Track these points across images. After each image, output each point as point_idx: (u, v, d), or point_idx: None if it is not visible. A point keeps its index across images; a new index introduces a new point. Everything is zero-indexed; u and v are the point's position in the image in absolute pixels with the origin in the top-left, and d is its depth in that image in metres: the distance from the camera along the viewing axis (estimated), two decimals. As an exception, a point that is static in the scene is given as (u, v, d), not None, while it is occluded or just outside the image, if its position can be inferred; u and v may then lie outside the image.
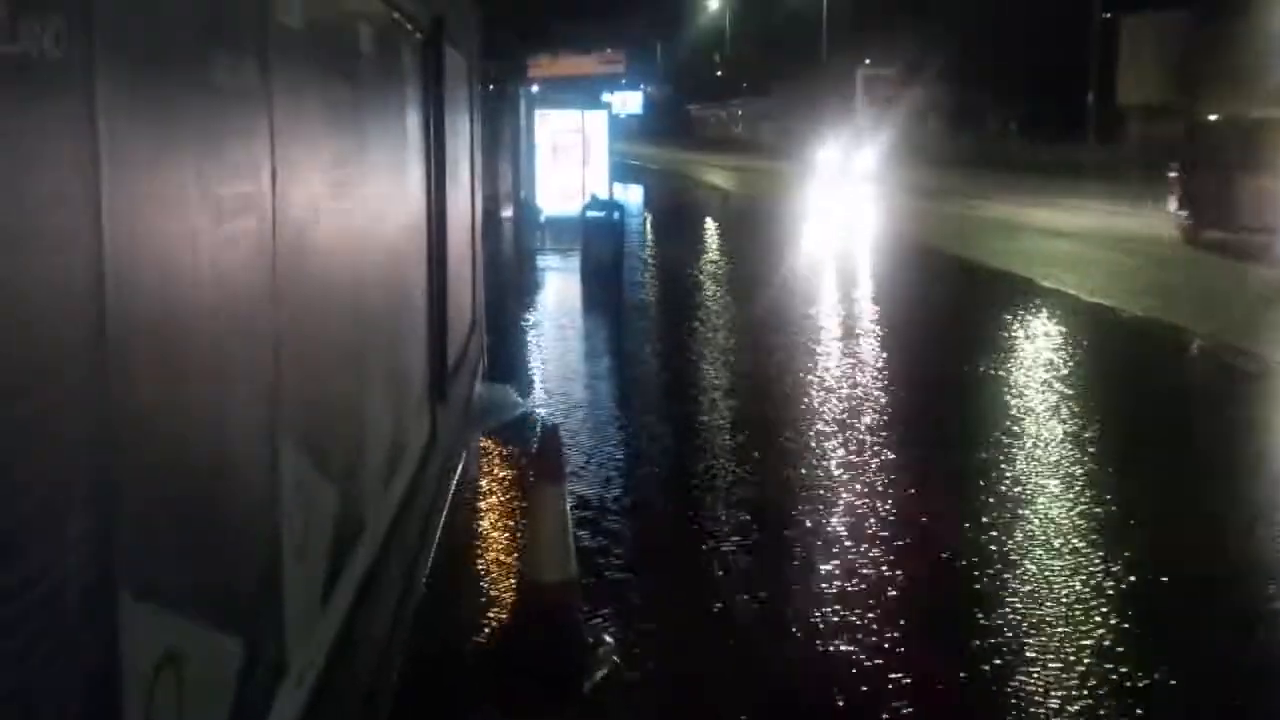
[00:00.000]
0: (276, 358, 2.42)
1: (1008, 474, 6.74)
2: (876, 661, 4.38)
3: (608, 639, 4.48)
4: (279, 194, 2.40)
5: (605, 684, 4.22)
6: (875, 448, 7.30)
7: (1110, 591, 5.03)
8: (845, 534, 5.75)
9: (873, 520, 5.94)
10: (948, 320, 12.34)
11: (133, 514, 1.63)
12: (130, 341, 1.60)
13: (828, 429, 7.78)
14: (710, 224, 24.85)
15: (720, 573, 5.29)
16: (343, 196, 3.21)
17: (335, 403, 3.12)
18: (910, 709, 4.03)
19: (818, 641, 4.57)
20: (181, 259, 1.85)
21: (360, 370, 3.48)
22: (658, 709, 4.12)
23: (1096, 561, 5.41)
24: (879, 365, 9.95)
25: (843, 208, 26.64)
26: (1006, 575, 5.23)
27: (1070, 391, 8.85)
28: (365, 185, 3.51)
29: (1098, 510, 6.14)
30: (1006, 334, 11.29)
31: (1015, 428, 7.80)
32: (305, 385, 2.72)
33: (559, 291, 14.93)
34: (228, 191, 2.09)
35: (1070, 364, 9.92)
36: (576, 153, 19.63)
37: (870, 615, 4.78)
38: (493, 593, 5.02)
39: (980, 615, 4.79)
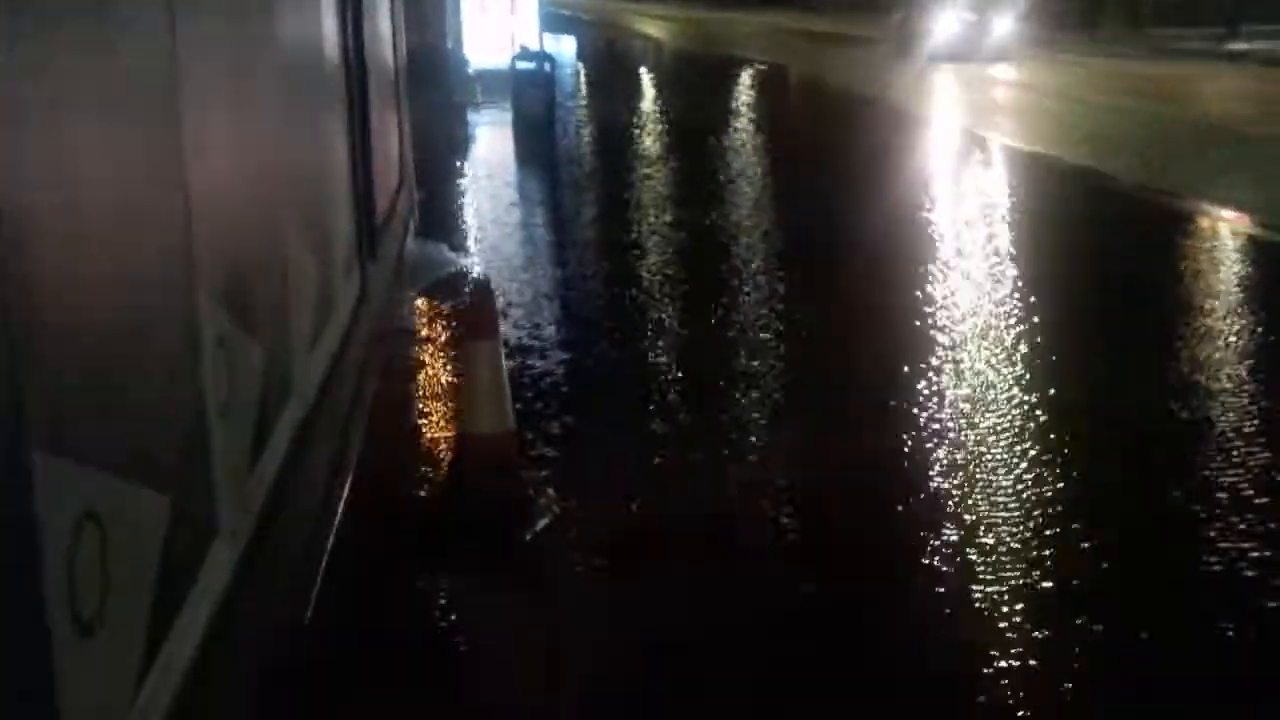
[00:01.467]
0: (189, 209, 2.34)
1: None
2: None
3: (548, 490, 4.52)
4: (181, 37, 2.28)
5: (545, 533, 4.28)
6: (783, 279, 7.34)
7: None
8: (769, 383, 5.81)
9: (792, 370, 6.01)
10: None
11: (42, 370, 1.58)
12: (31, 194, 1.53)
13: (751, 278, 7.80)
14: (645, 76, 24.39)
15: (657, 421, 5.34)
16: (252, 41, 3.07)
17: (255, 257, 3.04)
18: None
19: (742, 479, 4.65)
20: (83, 103, 1.75)
21: (281, 224, 3.38)
22: (598, 554, 4.18)
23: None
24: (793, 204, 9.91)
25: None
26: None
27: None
28: (276, 29, 3.36)
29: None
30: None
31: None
32: (222, 239, 2.64)
33: (491, 145, 14.66)
34: (128, 35, 1.98)
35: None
36: (504, 1, 19.05)
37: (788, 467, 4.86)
38: (430, 448, 5.04)
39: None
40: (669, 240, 9.05)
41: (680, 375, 5.95)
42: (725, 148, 13.90)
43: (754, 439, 5.15)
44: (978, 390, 5.71)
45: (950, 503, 4.50)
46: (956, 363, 6.03)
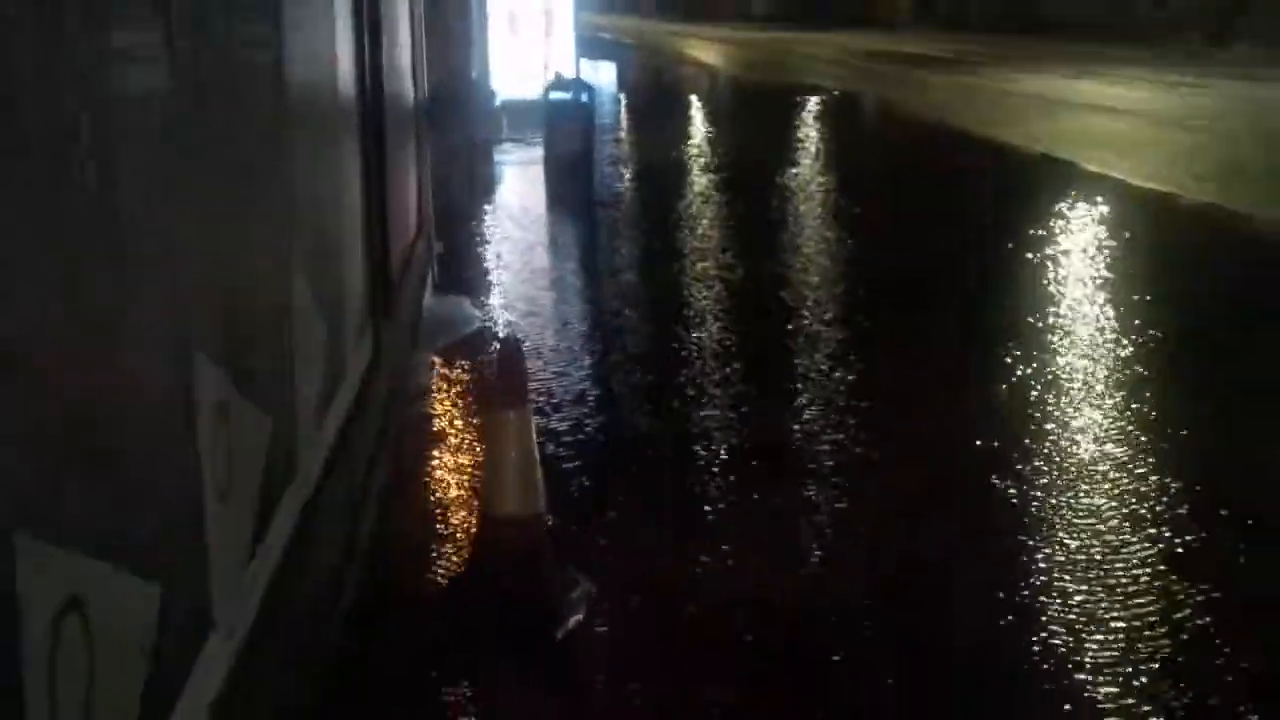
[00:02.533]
0: (185, 262, 2.42)
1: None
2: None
3: (582, 581, 4.54)
4: (178, 68, 2.38)
5: (580, 631, 4.29)
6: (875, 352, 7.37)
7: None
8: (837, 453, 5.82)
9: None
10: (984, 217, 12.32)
11: (20, 443, 1.64)
12: (7, 246, 1.60)
13: (820, 341, 7.83)
14: (696, 109, 24.68)
15: (707, 505, 5.36)
16: (255, 74, 3.18)
17: (257, 316, 3.12)
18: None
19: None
20: (66, 145, 1.83)
21: (286, 279, 3.47)
22: (638, 657, 4.19)
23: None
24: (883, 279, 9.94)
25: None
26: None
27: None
28: (282, 61, 3.47)
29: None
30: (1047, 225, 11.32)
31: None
32: (221, 296, 2.72)
33: (519, 188, 14.86)
34: (117, 69, 2.07)
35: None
36: (537, 24, 19.42)
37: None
38: (450, 532, 5.08)
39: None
40: (722, 299, 9.12)
41: (735, 456, 5.97)
42: (788, 189, 14.01)
43: (820, 533, 5.14)
44: (1098, 494, 5.69)
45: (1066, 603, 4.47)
46: (1060, 463, 6.00)
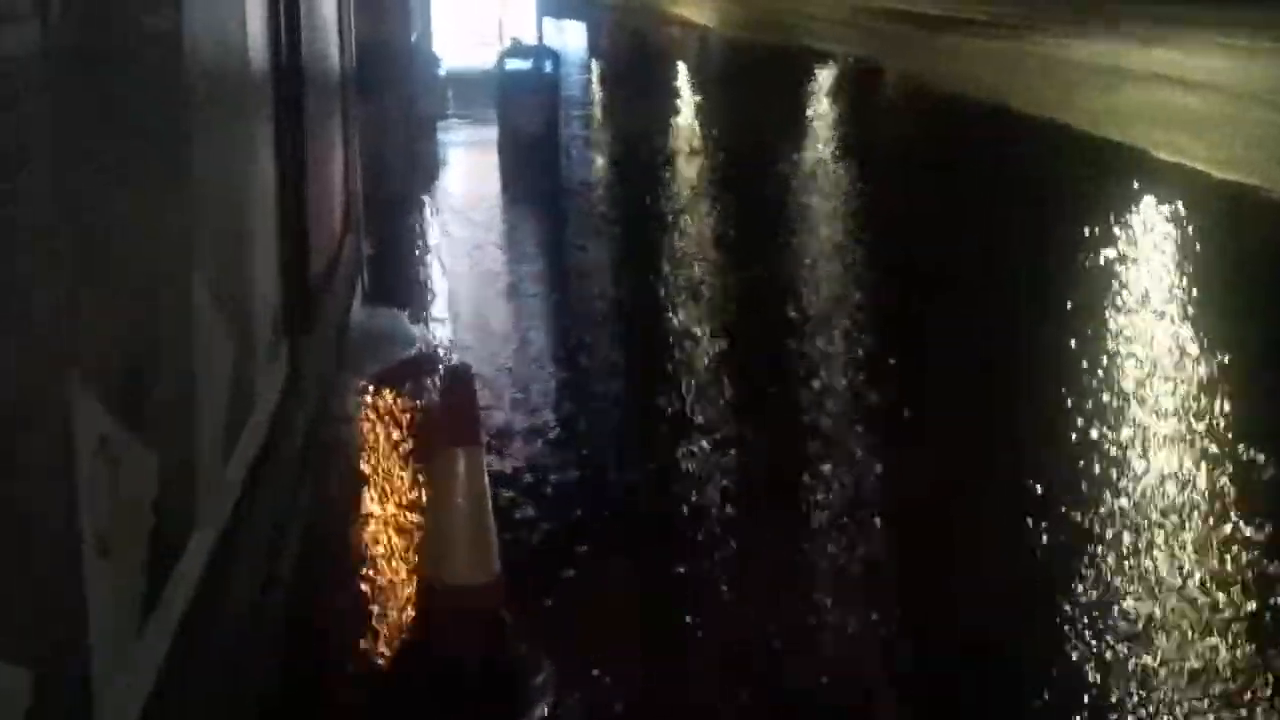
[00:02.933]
0: (58, 268, 2.41)
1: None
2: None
3: (546, 662, 4.53)
4: (45, 29, 2.36)
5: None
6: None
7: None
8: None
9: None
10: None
11: None
12: None
13: (829, 367, 7.84)
14: (683, 80, 24.78)
15: (691, 568, 5.37)
16: (142, 38, 3.16)
17: (146, 334, 3.11)
18: None
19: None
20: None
21: (180, 288, 3.46)
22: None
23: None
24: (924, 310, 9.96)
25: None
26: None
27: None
28: (172, 18, 3.46)
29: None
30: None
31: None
32: (101, 310, 2.70)
33: (469, 175, 14.89)
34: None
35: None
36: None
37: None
38: (385, 602, 5.06)
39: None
40: (712, 313, 9.13)
41: (725, 507, 5.98)
42: (792, 179, 14.06)
43: (828, 605, 5.13)
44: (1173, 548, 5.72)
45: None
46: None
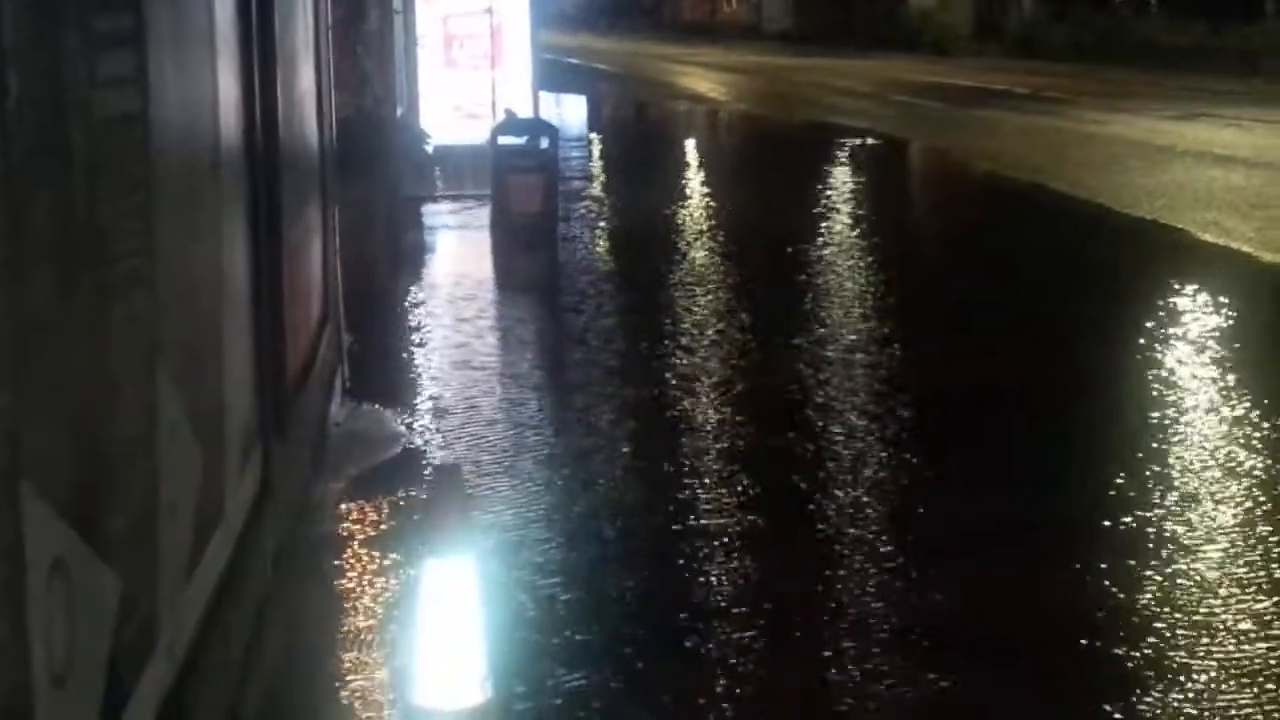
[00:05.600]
0: (7, 368, 2.42)
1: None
2: None
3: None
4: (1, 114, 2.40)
5: None
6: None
7: None
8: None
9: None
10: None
11: None
12: None
13: (871, 485, 7.83)
14: (693, 157, 24.96)
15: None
16: (108, 119, 3.20)
17: (103, 441, 3.12)
18: None
19: None
20: None
21: (142, 389, 3.47)
22: None
23: None
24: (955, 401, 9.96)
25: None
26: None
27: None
28: (139, 90, 3.50)
29: None
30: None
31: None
32: (54, 414, 2.72)
33: (459, 261, 14.96)
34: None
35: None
36: (482, 46, 19.65)
37: None
38: (363, 733, 5.04)
39: None
40: (728, 419, 9.13)
41: (742, 637, 5.98)
42: (813, 268, 14.10)
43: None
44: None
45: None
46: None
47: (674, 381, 9.90)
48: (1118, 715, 5.17)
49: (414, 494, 7.32)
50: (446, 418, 8.98)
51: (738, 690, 5.47)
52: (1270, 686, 5.37)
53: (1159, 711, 5.22)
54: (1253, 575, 6.39)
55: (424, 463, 7.96)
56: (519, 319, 12.55)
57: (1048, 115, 27.13)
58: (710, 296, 12.92)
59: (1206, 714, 5.19)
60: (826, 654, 5.75)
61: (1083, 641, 5.76)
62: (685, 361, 10.45)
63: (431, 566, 4.45)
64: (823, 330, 11.50)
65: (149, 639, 3.45)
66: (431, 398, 9.53)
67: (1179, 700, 5.29)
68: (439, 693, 4.38)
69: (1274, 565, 6.47)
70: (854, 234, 16.47)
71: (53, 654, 2.61)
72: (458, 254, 15.30)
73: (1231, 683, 5.42)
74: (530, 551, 6.73)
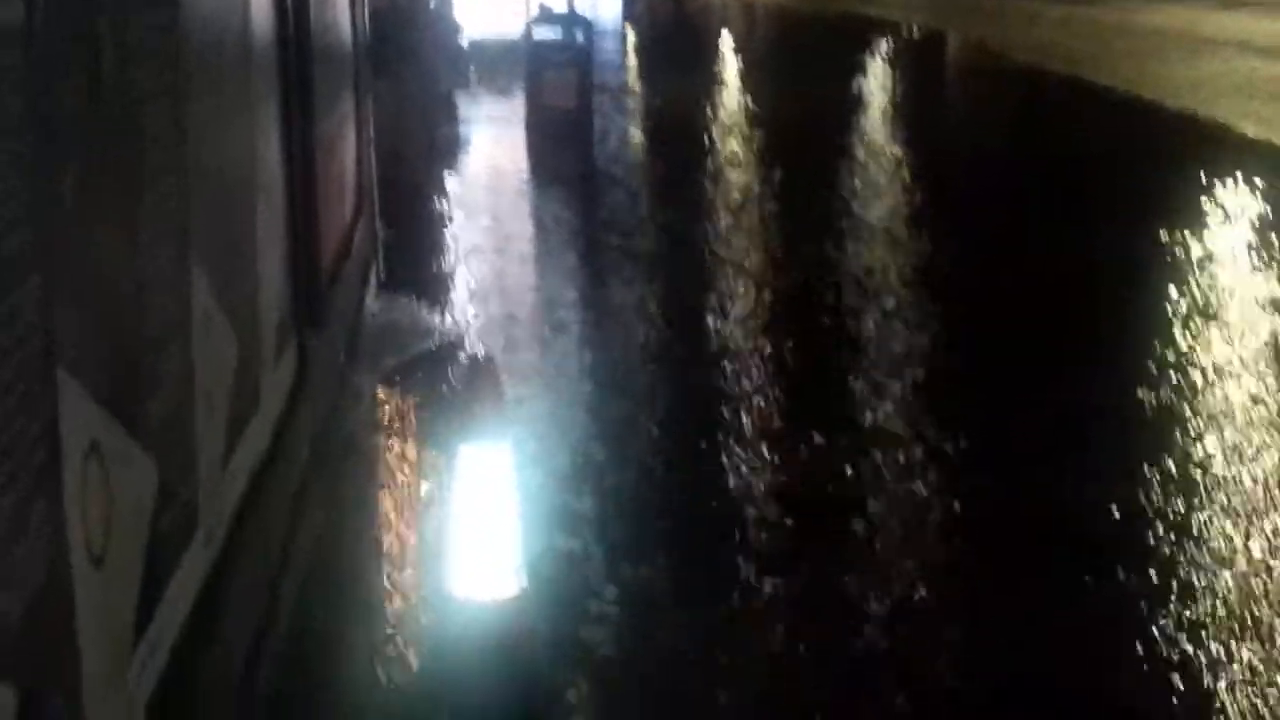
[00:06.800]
0: (46, 260, 2.43)
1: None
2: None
3: (577, 681, 4.56)
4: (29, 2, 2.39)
5: None
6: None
7: None
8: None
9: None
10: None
11: None
12: None
13: (908, 384, 7.80)
14: (728, 50, 24.73)
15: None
16: (138, 10, 3.19)
17: (139, 329, 3.13)
18: None
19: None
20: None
21: (177, 279, 3.48)
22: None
23: None
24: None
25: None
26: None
27: None
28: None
29: None
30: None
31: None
32: (90, 304, 2.72)
33: (493, 154, 14.90)
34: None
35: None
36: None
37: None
38: (402, 620, 5.08)
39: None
40: (761, 310, 9.10)
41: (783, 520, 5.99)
42: (849, 160, 14.02)
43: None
44: None
45: None
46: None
47: (708, 270, 9.89)
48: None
49: (448, 384, 7.34)
50: (481, 308, 8.99)
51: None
52: None
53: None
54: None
55: (458, 353, 7.97)
56: (553, 212, 12.51)
57: (1088, 5, 26.74)
58: (743, 181, 12.88)
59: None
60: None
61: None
62: (721, 252, 10.44)
63: (466, 455, 4.49)
64: (852, 213, 11.49)
65: (188, 523, 3.47)
66: (466, 289, 9.53)
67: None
68: (474, 582, 4.42)
69: None
70: (887, 125, 16.35)
71: (91, 535, 2.63)
72: (492, 147, 15.24)
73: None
74: (562, 442, 6.78)
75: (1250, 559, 5.57)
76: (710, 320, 8.78)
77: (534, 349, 8.22)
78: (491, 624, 4.40)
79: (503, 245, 10.82)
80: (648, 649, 4.93)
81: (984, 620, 5.17)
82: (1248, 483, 6.25)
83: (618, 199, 12.63)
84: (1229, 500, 6.09)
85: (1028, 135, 15.44)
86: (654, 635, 5.02)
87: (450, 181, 13.02)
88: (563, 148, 14.33)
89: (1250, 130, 14.28)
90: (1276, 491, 6.16)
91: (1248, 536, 5.76)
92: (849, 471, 6.51)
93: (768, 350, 8.23)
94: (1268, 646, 4.90)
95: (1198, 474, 6.34)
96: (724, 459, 6.57)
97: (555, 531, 5.61)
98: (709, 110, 17.02)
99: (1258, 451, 6.58)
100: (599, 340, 8.54)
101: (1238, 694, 4.62)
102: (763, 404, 7.33)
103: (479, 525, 4.48)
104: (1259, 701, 4.56)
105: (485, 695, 4.32)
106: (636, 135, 15.93)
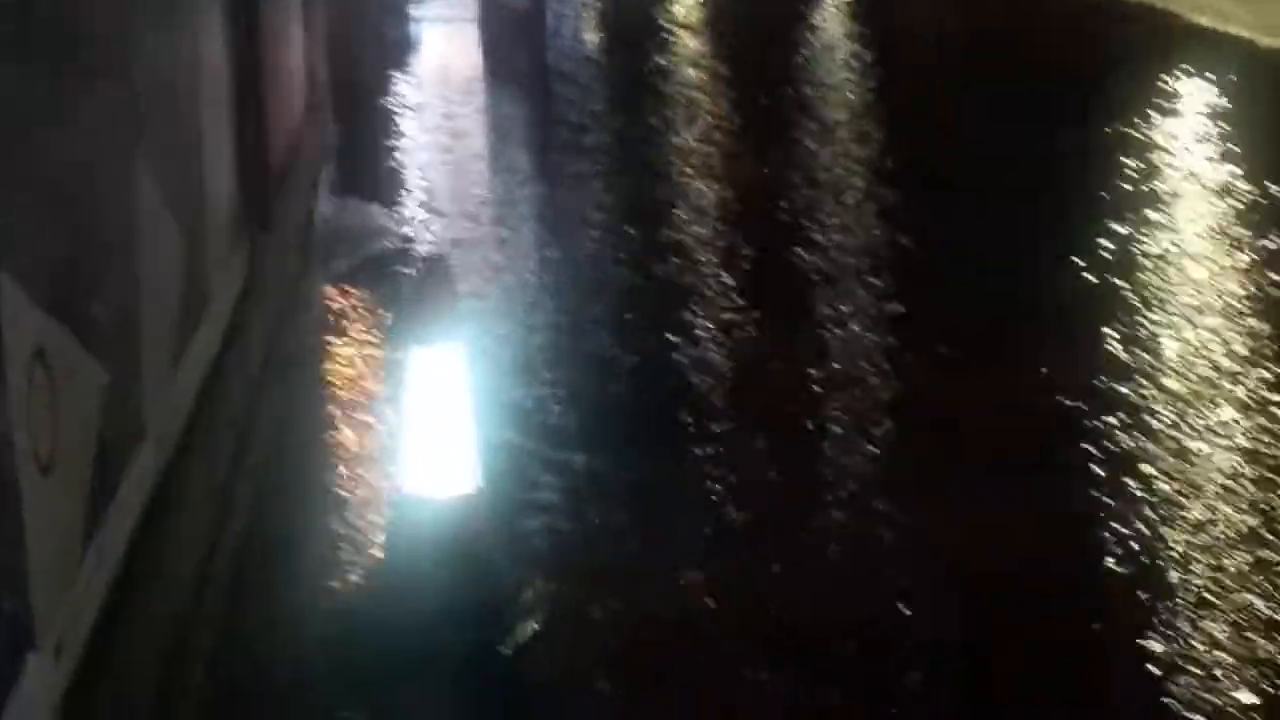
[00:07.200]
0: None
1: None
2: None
3: (536, 581, 4.58)
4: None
5: (533, 645, 4.36)
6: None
7: None
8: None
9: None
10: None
11: None
12: None
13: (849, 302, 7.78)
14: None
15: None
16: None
17: (85, 232, 3.10)
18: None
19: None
20: None
21: (124, 180, 3.44)
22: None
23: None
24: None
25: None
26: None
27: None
28: None
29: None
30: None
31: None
32: (31, 204, 2.69)
33: (446, 51, 14.72)
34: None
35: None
36: None
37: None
38: (360, 524, 5.09)
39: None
40: (728, 209, 9.08)
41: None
42: (799, 55, 13.90)
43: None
44: None
45: None
46: None
47: (665, 166, 9.85)
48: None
49: (401, 286, 7.30)
50: (433, 210, 8.94)
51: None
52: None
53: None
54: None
55: (411, 255, 7.93)
56: (506, 112, 12.38)
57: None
58: (699, 86, 12.77)
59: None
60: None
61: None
62: (678, 145, 10.40)
63: (420, 356, 4.45)
64: (806, 112, 11.47)
65: (137, 428, 3.46)
66: (418, 190, 9.46)
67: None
68: (428, 481, 4.41)
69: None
70: (844, 20, 16.24)
71: (38, 442, 2.62)
72: (445, 48, 15.05)
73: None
74: (517, 343, 6.78)
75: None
76: (664, 214, 8.74)
77: (488, 248, 8.19)
78: (446, 521, 4.40)
79: (453, 144, 10.72)
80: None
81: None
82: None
83: (571, 96, 12.53)
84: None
85: (969, 22, 15.20)
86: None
87: (402, 82, 12.87)
88: (519, 42, 14.20)
89: (1203, 19, 14.06)
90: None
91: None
92: (797, 352, 6.59)
93: (721, 243, 8.24)
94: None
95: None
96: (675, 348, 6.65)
97: (505, 427, 5.65)
98: (665, 10, 16.85)
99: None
100: (550, 237, 8.51)
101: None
102: (713, 291, 7.37)
103: (433, 426, 4.45)
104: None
105: (439, 591, 4.34)
106: (597, 32, 15.76)
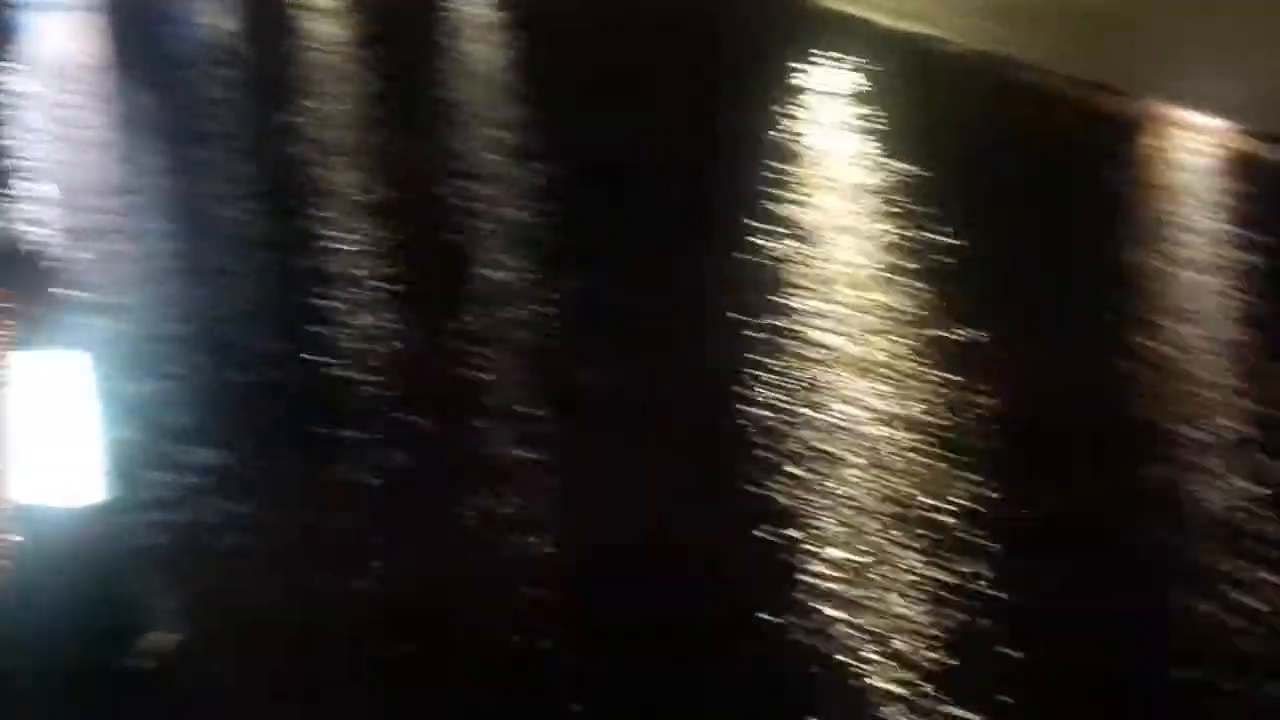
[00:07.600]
0: None
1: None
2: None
3: (164, 591, 4.48)
4: None
5: (162, 656, 4.18)
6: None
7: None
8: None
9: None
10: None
11: None
12: None
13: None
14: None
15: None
16: None
17: None
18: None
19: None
20: None
21: None
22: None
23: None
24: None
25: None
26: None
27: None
28: None
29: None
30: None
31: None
32: None
33: (60, 41, 14.17)
34: None
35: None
36: None
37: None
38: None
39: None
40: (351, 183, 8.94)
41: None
42: (471, 45, 13.78)
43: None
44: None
45: None
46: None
47: (299, 154, 9.71)
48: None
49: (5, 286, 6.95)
50: (44, 201, 8.52)
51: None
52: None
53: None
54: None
55: (15, 249, 7.56)
56: (127, 102, 11.98)
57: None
58: (336, 72, 12.66)
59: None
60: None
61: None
62: (313, 133, 10.26)
63: (35, 360, 4.20)
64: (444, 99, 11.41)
65: None
66: (27, 182, 9.03)
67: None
68: (51, 490, 4.15)
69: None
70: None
71: None
72: (62, 36, 14.57)
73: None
74: (134, 339, 6.53)
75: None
76: (295, 202, 8.66)
77: (104, 239, 7.97)
78: (70, 533, 4.19)
79: (69, 134, 10.41)
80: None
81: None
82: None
83: (199, 84, 12.35)
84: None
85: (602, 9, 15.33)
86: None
87: (8, 70, 12.41)
88: (141, 34, 13.96)
89: (830, 2, 14.33)
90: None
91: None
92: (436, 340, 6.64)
93: (354, 230, 8.14)
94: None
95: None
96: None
97: (124, 427, 5.43)
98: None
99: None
100: (172, 228, 8.41)
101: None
102: (345, 279, 7.25)
103: (48, 431, 4.21)
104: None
105: (68, 607, 4.18)
106: (225, 21, 15.46)
